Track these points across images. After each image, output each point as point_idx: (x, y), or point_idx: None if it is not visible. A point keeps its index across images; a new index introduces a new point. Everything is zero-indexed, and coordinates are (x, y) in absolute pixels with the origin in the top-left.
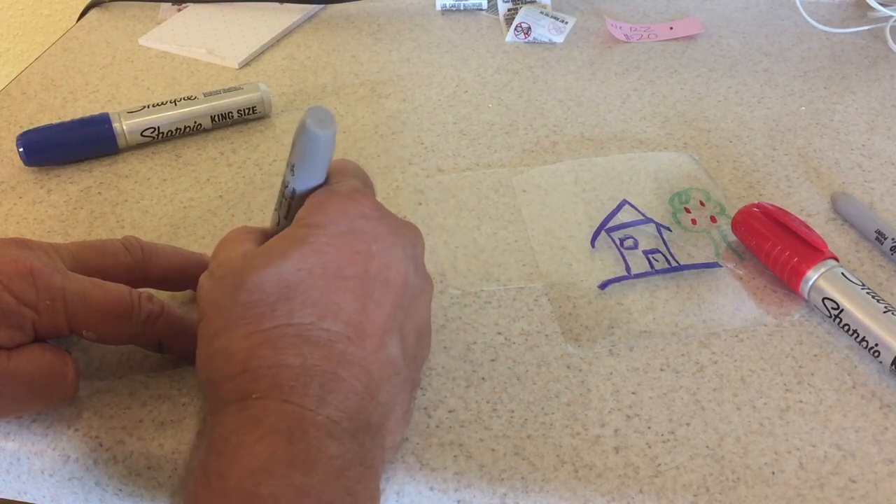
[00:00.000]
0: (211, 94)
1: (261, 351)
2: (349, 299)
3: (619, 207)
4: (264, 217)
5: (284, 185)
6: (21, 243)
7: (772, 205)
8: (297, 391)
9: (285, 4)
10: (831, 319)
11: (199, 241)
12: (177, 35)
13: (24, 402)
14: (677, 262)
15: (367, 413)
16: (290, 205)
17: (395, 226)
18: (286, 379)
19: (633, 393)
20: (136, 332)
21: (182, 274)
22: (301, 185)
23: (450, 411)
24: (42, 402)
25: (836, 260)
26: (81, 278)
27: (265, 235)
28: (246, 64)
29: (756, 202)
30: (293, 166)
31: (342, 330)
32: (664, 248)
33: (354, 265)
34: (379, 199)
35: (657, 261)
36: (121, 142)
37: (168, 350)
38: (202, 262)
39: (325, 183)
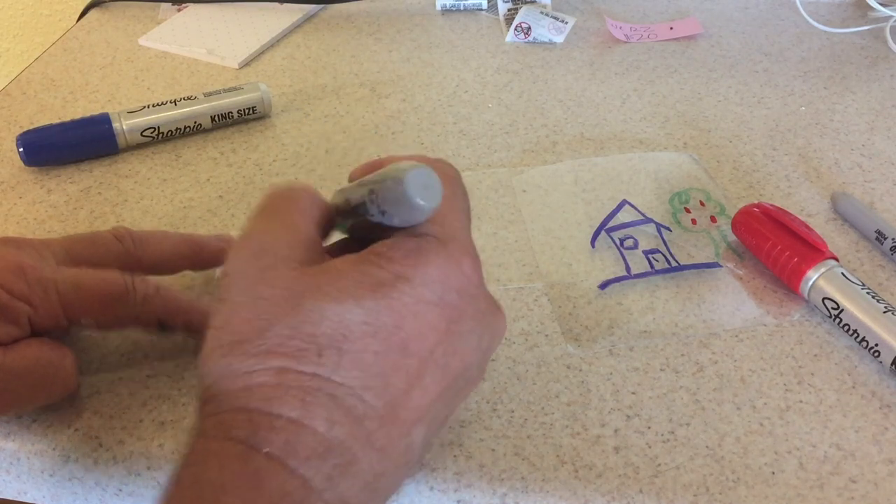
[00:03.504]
0: (211, 94)
1: (287, 396)
2: (400, 377)
3: (619, 207)
4: None
5: (370, 198)
6: (10, 242)
7: (772, 205)
8: (311, 464)
9: (285, 4)
10: (831, 319)
11: None
12: (177, 35)
13: (23, 397)
14: (677, 262)
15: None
16: (370, 220)
17: (484, 310)
18: (306, 444)
19: (633, 393)
20: (135, 314)
21: (175, 257)
22: (390, 221)
23: None
24: (42, 397)
25: (836, 260)
26: (72, 269)
27: (324, 218)
28: (246, 64)
29: (756, 202)
30: (382, 209)
31: (379, 407)
32: (664, 248)
33: (423, 342)
34: None
35: (657, 261)
36: (121, 142)
37: (170, 328)
38: (194, 243)
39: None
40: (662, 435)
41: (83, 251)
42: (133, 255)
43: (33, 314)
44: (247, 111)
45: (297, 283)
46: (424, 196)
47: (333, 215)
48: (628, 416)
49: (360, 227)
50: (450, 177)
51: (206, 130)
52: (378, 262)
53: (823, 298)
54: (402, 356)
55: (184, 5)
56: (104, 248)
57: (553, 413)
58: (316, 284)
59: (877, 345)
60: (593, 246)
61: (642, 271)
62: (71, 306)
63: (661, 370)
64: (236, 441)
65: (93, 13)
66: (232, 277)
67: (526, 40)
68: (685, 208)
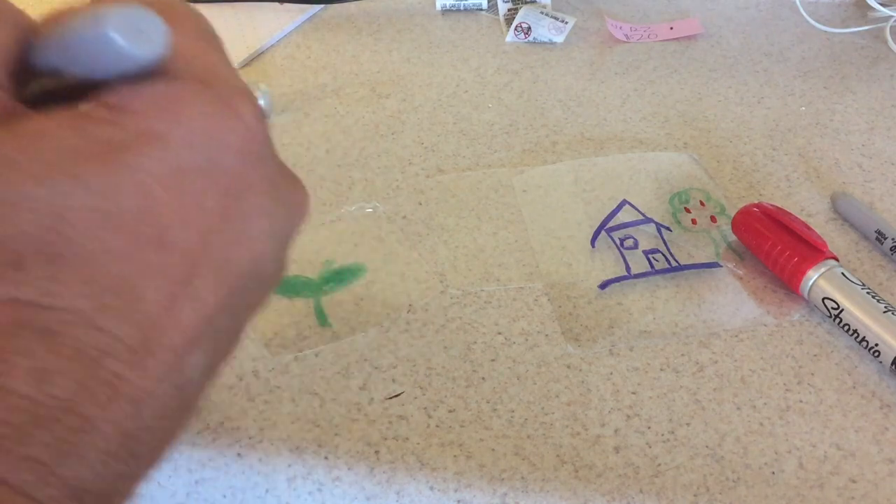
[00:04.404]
0: None
1: None
2: (158, 285)
3: (619, 207)
4: None
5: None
6: None
7: (772, 205)
8: (6, 453)
9: (285, 4)
10: (831, 319)
11: None
12: None
13: None
14: (677, 262)
15: (108, 484)
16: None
17: (276, 179)
18: None
19: (633, 393)
20: None
21: None
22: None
23: (450, 411)
24: None
25: (836, 260)
26: None
27: (19, 50)
28: (246, 64)
29: (756, 202)
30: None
31: (128, 336)
32: (664, 248)
33: (189, 230)
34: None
35: (657, 261)
36: None
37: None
38: None
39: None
40: (662, 435)
41: None
42: None
43: None
44: None
45: None
46: (137, 41)
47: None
48: (628, 416)
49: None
50: (176, 10)
51: None
52: (110, 116)
53: (823, 298)
54: (157, 253)
55: None
56: None
57: (553, 413)
58: (5, 157)
59: (877, 345)
60: (593, 246)
61: (642, 271)
62: None
63: (661, 370)
64: None
65: None
66: None
67: (526, 40)
68: (685, 208)
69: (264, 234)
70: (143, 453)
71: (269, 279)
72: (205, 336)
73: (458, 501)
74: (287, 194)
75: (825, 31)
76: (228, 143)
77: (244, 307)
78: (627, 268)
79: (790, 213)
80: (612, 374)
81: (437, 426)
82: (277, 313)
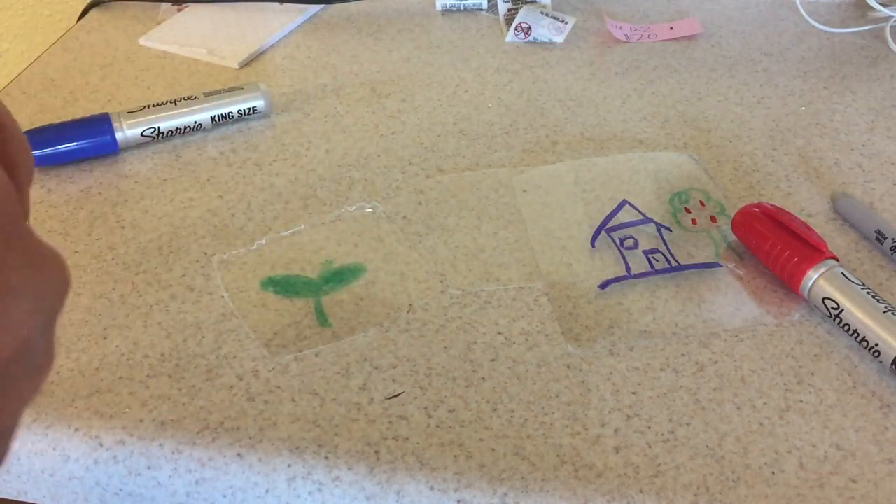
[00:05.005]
0: (211, 94)
1: None
2: None
3: (619, 207)
4: (264, 217)
5: None
6: None
7: (772, 205)
8: None
9: (285, 4)
10: (831, 319)
11: (199, 241)
12: (177, 35)
13: None
14: (677, 261)
15: None
16: None
17: (36, 256)
18: None
19: (633, 393)
20: None
21: None
22: None
23: (450, 411)
24: None
25: (836, 260)
26: None
27: None
28: (246, 64)
29: (756, 202)
30: None
31: None
32: (664, 248)
33: None
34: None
35: (657, 261)
36: (121, 142)
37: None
38: None
39: None
40: (662, 435)
41: None
42: None
43: None
44: (247, 111)
45: None
46: None
47: None
48: (628, 416)
49: None
50: None
51: (206, 130)
52: None
53: (823, 298)
54: None
55: (184, 5)
56: None
57: (553, 413)
58: None
59: (877, 345)
60: (593, 246)
61: (642, 271)
62: None
63: (661, 370)
64: None
65: (93, 13)
66: None
67: (526, 40)
68: (685, 208)
69: (23, 315)
70: None
71: (38, 366)
72: None
73: (458, 501)
74: (48, 270)
75: (825, 31)
76: None
77: (14, 395)
78: (627, 268)
79: (790, 213)
80: (612, 374)
81: (437, 426)
82: (277, 313)
